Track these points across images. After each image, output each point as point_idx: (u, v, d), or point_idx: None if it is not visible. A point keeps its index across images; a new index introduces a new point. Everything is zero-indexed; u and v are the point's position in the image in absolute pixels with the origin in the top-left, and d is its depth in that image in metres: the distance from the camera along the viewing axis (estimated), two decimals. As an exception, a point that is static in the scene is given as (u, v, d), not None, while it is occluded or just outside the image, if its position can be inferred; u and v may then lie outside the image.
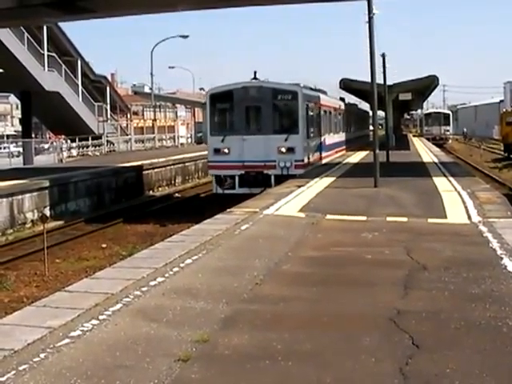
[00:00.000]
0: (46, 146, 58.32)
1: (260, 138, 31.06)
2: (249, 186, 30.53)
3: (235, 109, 32.00)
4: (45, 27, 54.67)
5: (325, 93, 43.40)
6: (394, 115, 57.07)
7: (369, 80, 26.36)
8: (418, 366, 6.98)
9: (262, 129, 31.59)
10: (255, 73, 36.47)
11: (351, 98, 64.84)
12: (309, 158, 33.18)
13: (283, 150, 30.85)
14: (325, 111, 39.98)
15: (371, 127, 47.38)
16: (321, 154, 37.68)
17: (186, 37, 72.73)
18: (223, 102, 32.69)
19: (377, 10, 25.06)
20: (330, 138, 41.30)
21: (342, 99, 55.16)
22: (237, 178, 31.66)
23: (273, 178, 30.61)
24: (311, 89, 38.74)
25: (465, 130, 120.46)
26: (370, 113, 51.25)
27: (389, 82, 45.43)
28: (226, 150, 31.51)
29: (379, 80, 35.25)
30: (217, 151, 31.87)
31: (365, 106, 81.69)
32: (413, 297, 9.69)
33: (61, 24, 56.57)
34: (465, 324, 8.27)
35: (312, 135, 34.75)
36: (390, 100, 49.66)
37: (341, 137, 48.57)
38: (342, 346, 7.66)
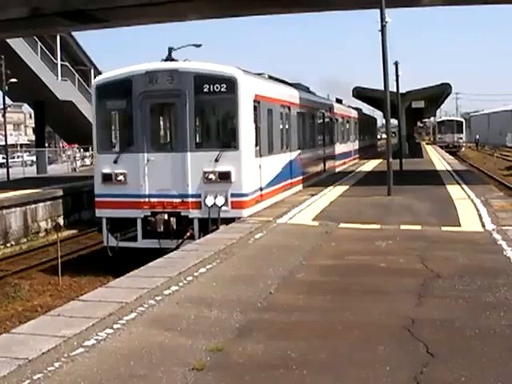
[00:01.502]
0: (63, 157, 58.48)
1: (174, 158, 19.99)
2: (158, 237, 19.91)
3: (134, 109, 20.37)
4: (58, 37, 54.97)
5: (308, 89, 34.32)
6: (407, 123, 56.94)
7: (381, 88, 26.36)
8: (433, 374, 6.95)
9: (178, 142, 20.20)
10: (170, 51, 29.08)
11: (359, 104, 63.64)
12: (264, 189, 21.72)
13: (212, 176, 19.51)
14: (304, 114, 29.82)
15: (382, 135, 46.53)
16: (303, 175, 28.29)
17: (199, 46, 72.78)
18: (116, 97, 21.05)
19: (389, 18, 25.04)
20: (302, 154, 28.55)
21: (339, 101, 47.40)
22: (139, 223, 20.43)
23: (197, 223, 19.67)
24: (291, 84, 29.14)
25: (477, 137, 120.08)
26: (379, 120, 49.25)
27: (402, 90, 45.39)
28: (121, 177, 20.29)
29: (392, 88, 34.85)
30: (107, 178, 20.52)
31: (377, 114, 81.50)
32: (427, 305, 9.66)
33: (75, 34, 56.88)
34: (479, 332, 8.23)
35: (275, 150, 23.62)
36: (403, 108, 49.59)
37: (333, 149, 38.55)
38: (357, 355, 7.63)
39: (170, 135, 21.86)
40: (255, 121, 21.00)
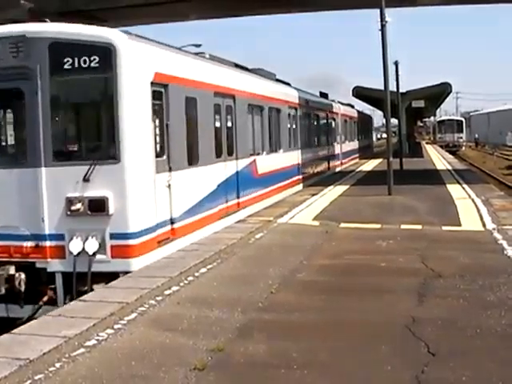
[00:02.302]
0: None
1: (21, 176, 12.90)
2: (2, 301, 12.59)
3: None
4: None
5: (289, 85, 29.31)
6: (407, 123, 56.99)
7: (381, 87, 26.36)
8: (434, 373, 6.95)
9: (27, 151, 13.03)
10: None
11: (357, 102, 62.37)
12: (180, 219, 14.63)
13: (79, 206, 12.51)
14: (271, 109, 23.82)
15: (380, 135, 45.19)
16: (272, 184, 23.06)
17: (199, 46, 72.82)
18: None
19: (389, 17, 25.06)
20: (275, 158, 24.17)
21: (324, 94, 40.46)
22: None
23: (60, 279, 12.63)
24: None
25: (476, 136, 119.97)
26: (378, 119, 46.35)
27: (402, 90, 45.41)
28: None
29: (392, 87, 34.69)
30: None
31: (377, 113, 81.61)
32: (428, 304, 9.66)
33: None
34: (480, 332, 8.23)
35: (205, 159, 16.49)
36: (404, 107, 49.62)
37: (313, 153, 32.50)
38: (358, 354, 7.63)
39: (16, 140, 14.11)
40: (158, 115, 13.99)
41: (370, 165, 43.53)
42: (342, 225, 17.34)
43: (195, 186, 15.76)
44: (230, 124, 19.03)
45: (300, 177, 28.37)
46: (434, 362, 7.25)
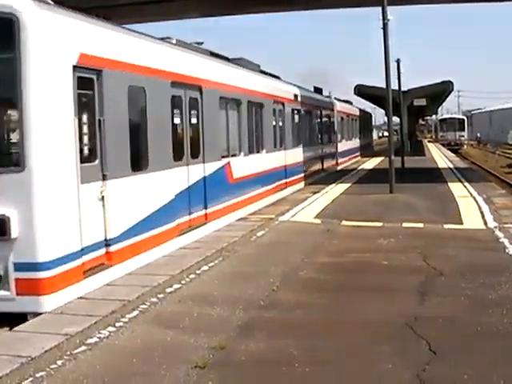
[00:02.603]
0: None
1: None
2: None
3: None
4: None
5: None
6: (408, 121, 56.95)
7: (383, 85, 26.36)
8: (435, 372, 6.95)
9: None
10: None
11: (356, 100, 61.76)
12: (121, 240, 11.85)
13: None
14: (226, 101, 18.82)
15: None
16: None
17: (201, 43, 72.84)
18: None
19: (391, 16, 25.06)
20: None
21: (318, 90, 38.01)
22: None
23: None
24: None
25: (478, 134, 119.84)
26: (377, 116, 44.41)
27: (403, 88, 45.35)
28: None
29: (394, 86, 34.46)
30: None
31: (379, 111, 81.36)
32: (429, 303, 9.66)
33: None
34: (482, 330, 8.23)
35: (158, 163, 13.62)
36: (405, 106, 49.58)
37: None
38: (359, 352, 7.63)
39: None
40: (86, 109, 11.20)
41: (371, 163, 43.54)
42: (344, 223, 17.34)
43: (143, 196, 12.82)
44: (194, 120, 16.09)
45: (287, 180, 25.36)
46: (435, 361, 7.24)
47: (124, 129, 12.21)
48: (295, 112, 28.05)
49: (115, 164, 11.62)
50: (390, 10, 25.10)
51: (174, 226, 14.11)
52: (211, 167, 16.59)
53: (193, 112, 15.91)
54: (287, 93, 26.55)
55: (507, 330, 8.20)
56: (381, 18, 24.93)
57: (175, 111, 14.84)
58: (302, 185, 27.90)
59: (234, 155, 19.07)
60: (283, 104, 25.37)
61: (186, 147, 15.31)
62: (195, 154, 15.78)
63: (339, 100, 44.23)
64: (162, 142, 13.87)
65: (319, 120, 34.36)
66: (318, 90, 37.19)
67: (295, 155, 27.09)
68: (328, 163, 36.29)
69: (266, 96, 22.80)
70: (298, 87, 29.96)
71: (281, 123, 25.00)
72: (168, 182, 14.06)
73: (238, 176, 18.89)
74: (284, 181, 24.87)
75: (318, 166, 33.11)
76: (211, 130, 16.79)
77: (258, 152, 21.72)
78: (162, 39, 15.53)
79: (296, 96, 28.11)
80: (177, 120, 14.99)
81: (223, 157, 17.87)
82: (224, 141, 18.36)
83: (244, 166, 19.65)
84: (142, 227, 12.51)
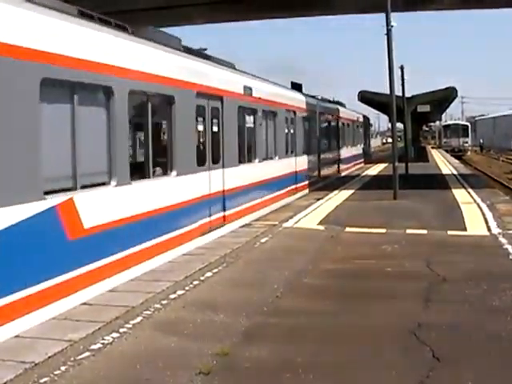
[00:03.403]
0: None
1: None
2: None
3: None
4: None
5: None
6: (412, 127, 56.90)
7: (387, 92, 26.36)
8: (439, 379, 6.94)
9: None
10: None
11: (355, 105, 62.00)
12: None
13: None
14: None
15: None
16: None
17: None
18: None
19: (394, 22, 25.08)
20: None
21: (298, 85, 31.94)
22: None
23: None
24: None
25: (481, 140, 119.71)
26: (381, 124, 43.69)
27: (407, 94, 45.34)
28: None
29: (397, 92, 34.32)
30: None
31: (382, 118, 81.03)
32: (433, 309, 9.65)
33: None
34: (485, 337, 8.22)
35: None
36: (409, 112, 49.56)
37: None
38: (363, 359, 7.62)
39: None
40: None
41: (375, 169, 43.51)
42: (348, 229, 17.33)
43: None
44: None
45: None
46: (439, 367, 7.23)
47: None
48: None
49: None
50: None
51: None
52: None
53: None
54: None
55: (511, 337, 8.19)
56: (384, 24, 24.97)
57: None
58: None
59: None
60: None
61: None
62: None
63: (323, 100, 38.30)
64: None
65: (289, 124, 27.24)
66: (295, 86, 31.65)
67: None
68: (328, 170, 35.85)
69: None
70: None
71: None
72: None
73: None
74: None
75: (317, 173, 32.11)
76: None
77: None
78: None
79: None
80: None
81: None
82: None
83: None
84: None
